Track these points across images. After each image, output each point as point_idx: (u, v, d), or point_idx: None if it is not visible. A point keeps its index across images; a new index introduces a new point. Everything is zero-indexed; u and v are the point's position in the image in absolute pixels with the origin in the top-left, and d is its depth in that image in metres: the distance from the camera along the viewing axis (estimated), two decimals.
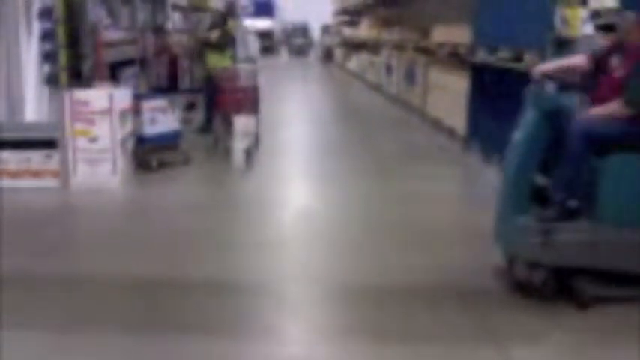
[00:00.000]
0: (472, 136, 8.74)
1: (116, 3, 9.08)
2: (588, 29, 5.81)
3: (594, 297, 4.03)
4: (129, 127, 7.26)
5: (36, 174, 6.67)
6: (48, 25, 6.95)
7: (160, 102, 7.80)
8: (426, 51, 11.79)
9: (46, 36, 6.97)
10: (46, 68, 7.00)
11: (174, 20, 13.08)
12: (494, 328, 3.79)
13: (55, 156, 6.68)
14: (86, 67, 7.11)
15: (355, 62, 21.87)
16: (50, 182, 6.67)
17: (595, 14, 5.82)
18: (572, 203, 4.13)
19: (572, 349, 3.62)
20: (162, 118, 7.72)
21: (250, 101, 8.38)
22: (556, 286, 4.12)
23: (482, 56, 8.13)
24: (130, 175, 7.18)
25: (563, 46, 6.00)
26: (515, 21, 7.19)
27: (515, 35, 7.08)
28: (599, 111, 4.16)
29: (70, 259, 4.84)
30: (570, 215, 4.12)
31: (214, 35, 9.74)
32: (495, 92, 7.86)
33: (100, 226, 5.71)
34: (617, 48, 4.32)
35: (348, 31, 25.40)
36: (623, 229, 4.03)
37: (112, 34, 8.08)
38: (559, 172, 4.14)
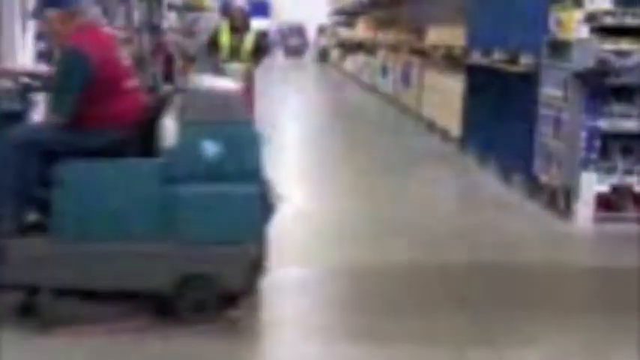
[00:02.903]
0: (467, 137, 8.76)
1: (112, 2, 9.06)
2: (583, 31, 5.82)
3: (61, 317, 3.64)
4: None
5: None
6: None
7: None
8: (421, 52, 11.81)
9: (41, 35, 6.95)
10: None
11: (169, 19, 13.08)
12: None
13: None
14: None
15: (351, 63, 21.88)
16: None
17: (590, 16, 5.83)
18: (31, 217, 3.73)
19: None
20: None
21: (245, 102, 8.32)
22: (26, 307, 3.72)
23: (476, 58, 8.15)
24: None
25: (558, 48, 6.02)
26: (510, 23, 7.20)
27: (510, 37, 7.10)
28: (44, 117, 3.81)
29: None
30: (27, 230, 3.70)
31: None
32: (490, 94, 7.87)
33: None
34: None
35: (344, 32, 25.41)
36: (78, 243, 3.63)
37: None
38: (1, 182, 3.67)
